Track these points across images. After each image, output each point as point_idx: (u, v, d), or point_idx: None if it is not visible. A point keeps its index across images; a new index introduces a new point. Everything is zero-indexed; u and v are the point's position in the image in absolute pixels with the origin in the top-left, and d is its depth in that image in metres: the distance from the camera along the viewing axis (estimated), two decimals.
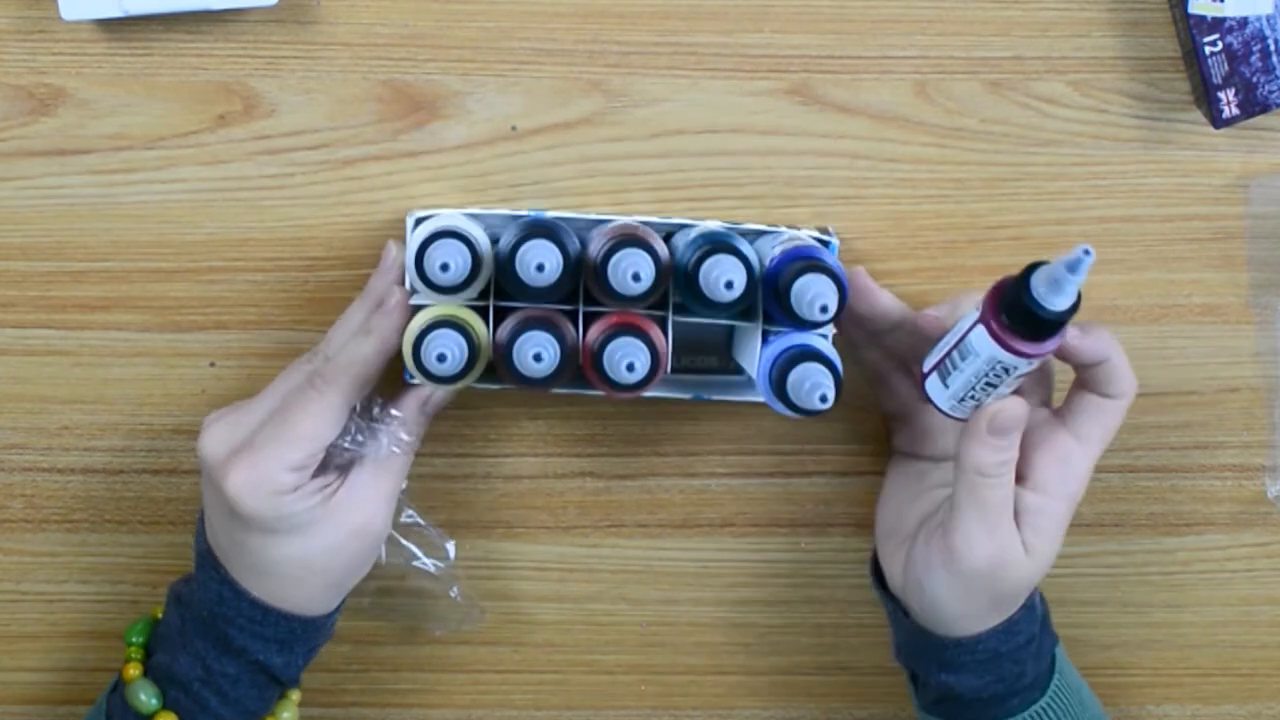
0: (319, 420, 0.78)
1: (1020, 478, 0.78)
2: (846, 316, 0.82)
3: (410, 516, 0.87)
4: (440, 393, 0.82)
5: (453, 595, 0.89)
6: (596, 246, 0.77)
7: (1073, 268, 0.70)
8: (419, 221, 0.81)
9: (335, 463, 0.80)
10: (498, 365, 0.78)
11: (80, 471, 0.89)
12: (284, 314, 0.87)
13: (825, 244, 0.82)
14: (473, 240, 0.77)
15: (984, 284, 0.87)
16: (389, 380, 0.81)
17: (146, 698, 0.80)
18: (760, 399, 0.82)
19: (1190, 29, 0.83)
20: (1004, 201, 0.87)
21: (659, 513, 0.91)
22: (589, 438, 0.90)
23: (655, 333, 0.78)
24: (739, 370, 0.85)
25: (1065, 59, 0.86)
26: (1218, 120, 0.84)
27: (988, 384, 0.75)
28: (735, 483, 0.90)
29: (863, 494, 0.90)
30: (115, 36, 0.84)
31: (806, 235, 0.82)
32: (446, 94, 0.86)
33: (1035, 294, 0.71)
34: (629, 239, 0.76)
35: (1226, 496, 0.91)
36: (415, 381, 0.81)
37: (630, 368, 0.76)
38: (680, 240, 0.81)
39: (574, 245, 0.78)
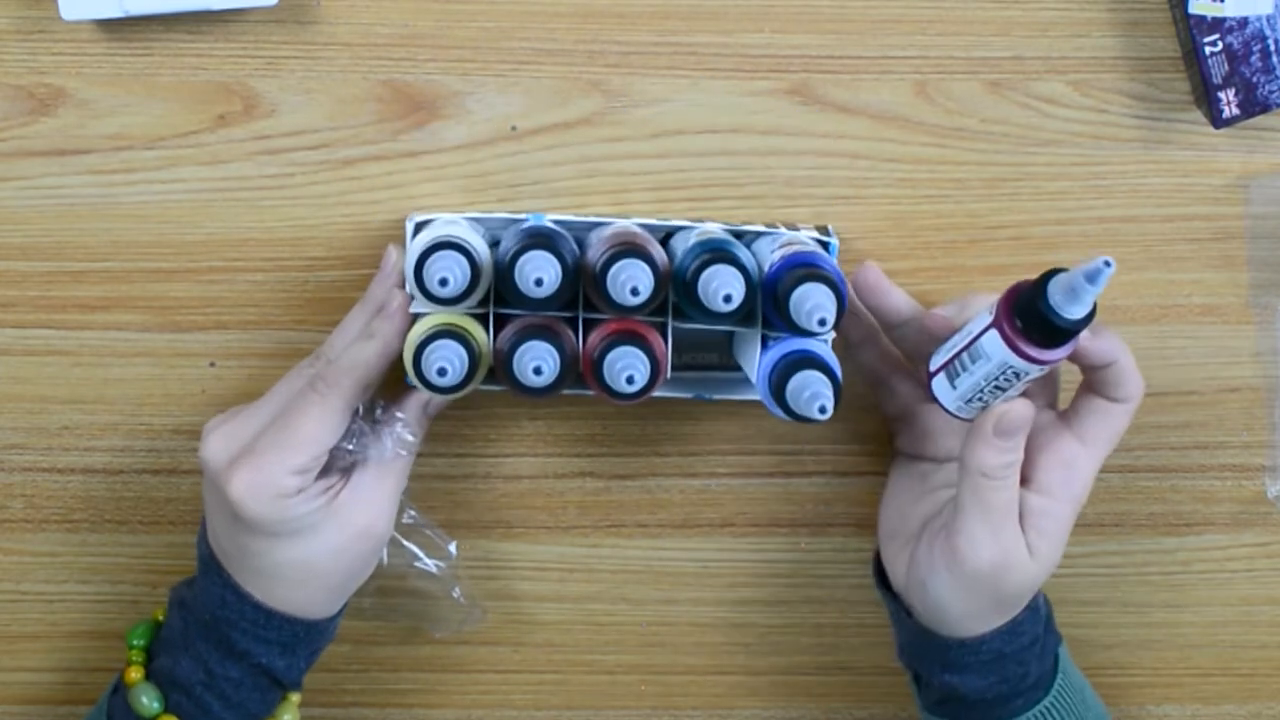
0: (321, 424, 0.78)
1: (1025, 480, 0.78)
2: (849, 314, 0.82)
3: (412, 517, 0.87)
4: (441, 396, 0.82)
5: (455, 596, 0.89)
6: (595, 254, 0.77)
7: (1092, 278, 0.70)
8: (419, 226, 0.81)
9: (338, 465, 0.80)
10: (498, 375, 0.78)
11: (80, 471, 0.89)
12: (284, 314, 0.87)
13: (825, 245, 0.82)
14: (472, 251, 0.77)
15: (984, 284, 0.87)
16: (390, 382, 0.81)
17: (148, 701, 0.80)
18: (756, 396, 0.82)
19: (1190, 29, 0.83)
20: (1004, 201, 0.87)
21: (659, 513, 0.91)
22: (589, 438, 0.90)
23: (655, 339, 0.78)
24: (739, 367, 0.85)
25: (1065, 59, 0.86)
26: (1218, 120, 0.84)
27: (997, 387, 0.75)
28: (735, 483, 0.90)
29: (863, 494, 0.90)
30: (115, 36, 0.84)
31: (806, 236, 0.82)
32: (446, 94, 0.86)
33: (1052, 302, 0.71)
34: (627, 249, 0.76)
35: (1226, 496, 0.91)
36: (416, 386, 0.81)
37: (630, 379, 0.76)
38: (679, 244, 0.81)
39: (573, 252, 0.78)
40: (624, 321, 0.79)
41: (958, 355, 0.76)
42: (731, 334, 0.86)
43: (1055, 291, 0.71)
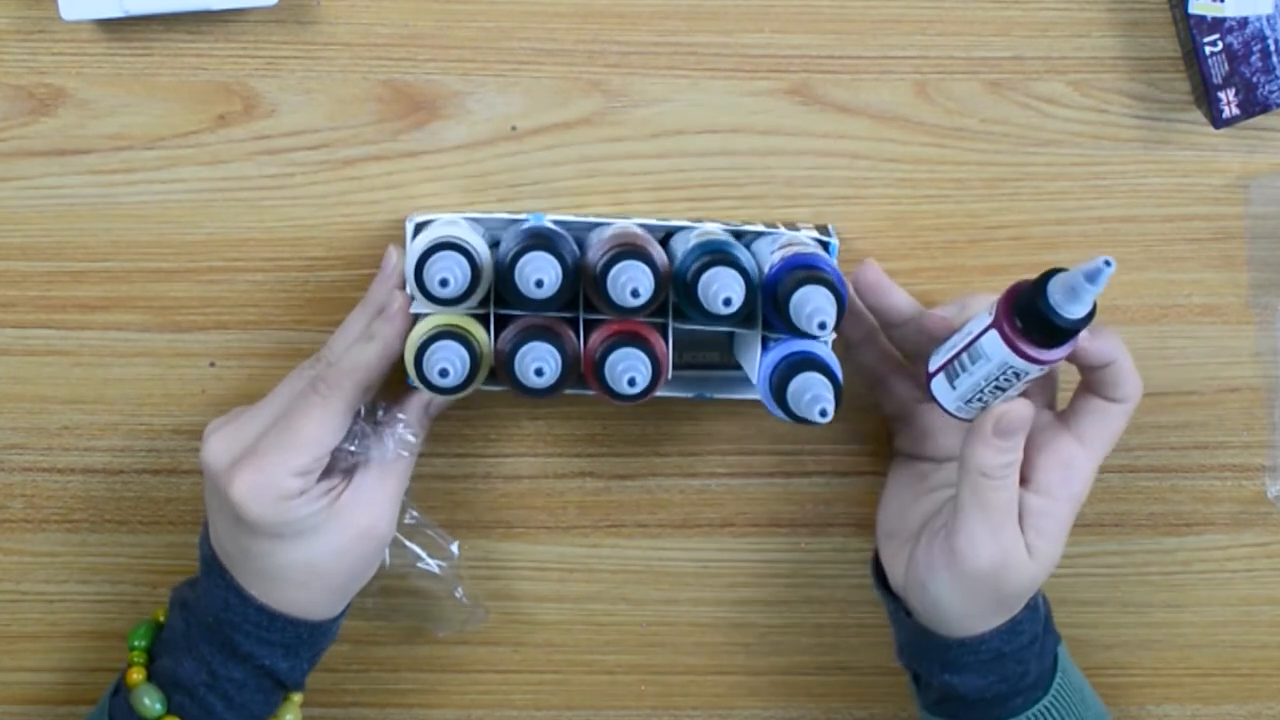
0: (323, 425, 0.78)
1: (1024, 480, 0.78)
2: (848, 313, 0.82)
3: (414, 518, 0.87)
4: (442, 397, 0.82)
5: (457, 596, 0.89)
6: (595, 255, 0.77)
7: (1092, 278, 0.70)
8: (419, 227, 0.81)
9: (340, 467, 0.80)
10: (500, 375, 0.78)
11: (80, 471, 0.89)
12: (284, 314, 0.87)
13: (825, 245, 0.82)
14: (472, 251, 0.77)
15: (984, 284, 0.87)
16: (392, 382, 0.81)
17: (151, 702, 0.80)
18: (756, 395, 0.82)
19: (1190, 29, 0.83)
20: (1004, 201, 0.87)
21: (659, 513, 0.91)
22: (589, 438, 0.90)
23: (656, 340, 0.78)
24: (740, 366, 0.85)
25: (1065, 59, 0.86)
26: (1218, 120, 0.84)
27: (996, 387, 0.75)
28: (735, 483, 0.90)
29: (863, 494, 0.90)
30: (115, 36, 0.84)
31: (806, 236, 0.82)
32: (446, 94, 0.86)
33: (1052, 301, 0.71)
34: (627, 250, 0.76)
35: (1226, 496, 0.91)
36: (417, 386, 0.81)
37: (631, 381, 0.77)
38: (679, 245, 0.80)
39: (573, 253, 0.78)
40: (625, 323, 0.79)
41: (957, 356, 0.76)
42: (732, 334, 0.86)
43: (1055, 291, 0.71)
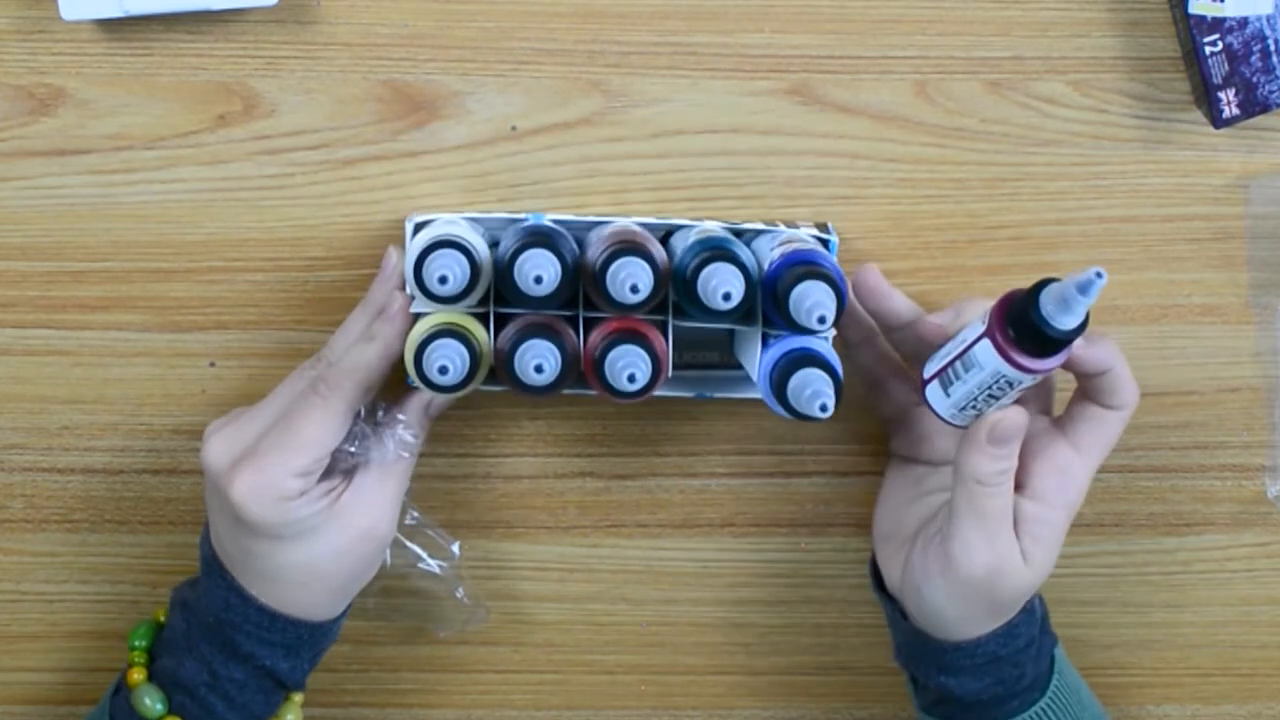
0: (323, 426, 0.78)
1: (1019, 486, 0.78)
2: (847, 315, 0.82)
3: (414, 518, 0.87)
4: (442, 397, 0.82)
5: (458, 596, 0.88)
6: (595, 253, 0.77)
7: (1084, 289, 0.70)
8: (418, 227, 0.81)
9: (340, 467, 0.80)
10: (499, 374, 0.78)
11: (80, 471, 0.89)
12: (284, 314, 0.87)
13: (824, 242, 0.82)
14: (471, 249, 0.77)
15: (983, 284, 0.87)
16: (392, 383, 0.81)
17: (152, 702, 0.80)
18: (763, 398, 0.82)
19: (1190, 29, 0.83)
20: (1004, 201, 0.87)
21: (659, 513, 0.91)
22: (589, 438, 0.90)
23: (656, 337, 0.78)
24: (740, 365, 0.85)
25: (1065, 59, 0.86)
26: (1218, 120, 0.84)
27: (990, 395, 0.75)
28: (735, 483, 0.90)
29: (863, 494, 0.90)
30: (115, 36, 0.84)
31: (805, 234, 0.82)
32: (446, 94, 0.86)
33: (1044, 312, 0.71)
34: (627, 247, 0.76)
35: (1226, 496, 0.91)
36: (417, 386, 0.81)
37: (631, 378, 0.76)
38: (679, 242, 0.80)
39: (572, 251, 0.78)
40: (624, 320, 0.79)
41: (951, 363, 0.76)
42: (732, 332, 0.86)
43: (1047, 302, 0.71)
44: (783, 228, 0.83)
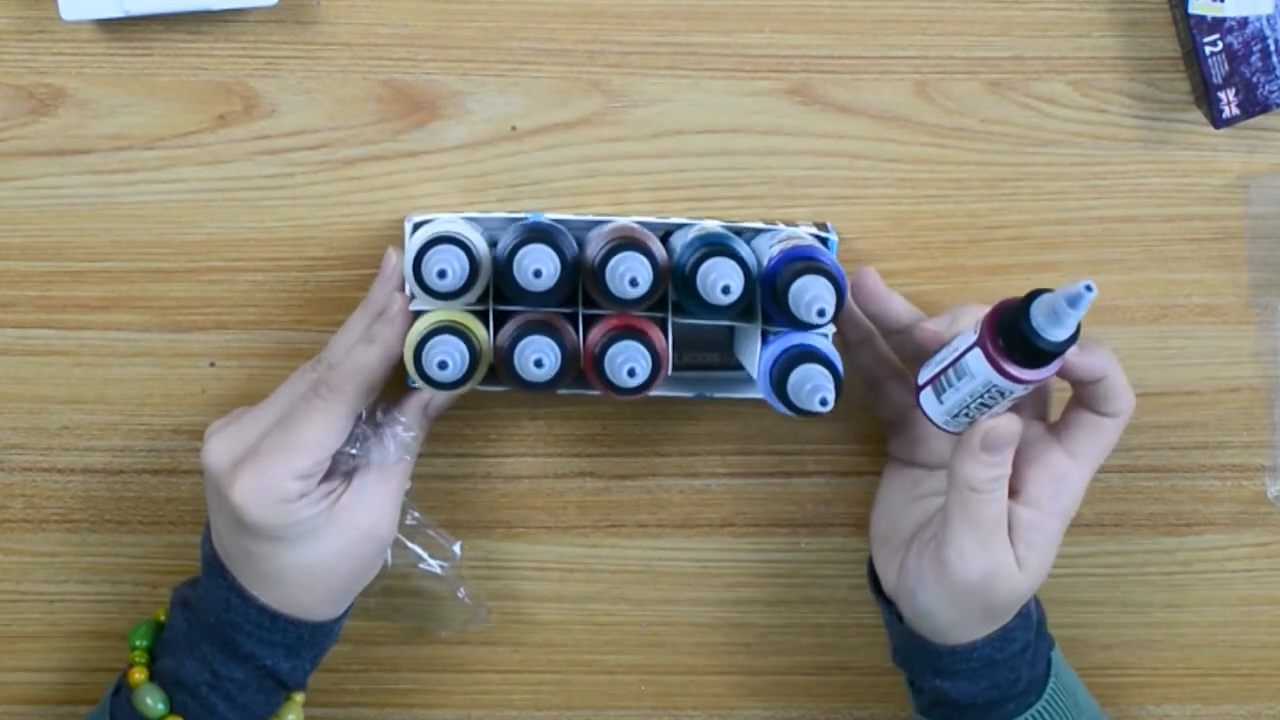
0: (324, 428, 0.77)
1: (1014, 492, 0.78)
2: (846, 317, 0.82)
3: (415, 519, 0.87)
4: (441, 396, 0.82)
5: (459, 596, 0.88)
6: (594, 249, 0.77)
7: (1073, 302, 0.70)
8: (417, 226, 0.81)
9: (340, 469, 0.79)
10: (499, 370, 0.78)
11: (80, 471, 0.89)
12: (284, 314, 0.87)
13: (824, 240, 0.82)
14: (470, 245, 0.77)
15: (984, 284, 0.87)
16: (392, 384, 0.81)
17: (153, 702, 0.80)
18: (758, 395, 0.82)
19: (1190, 29, 0.83)
20: (1004, 201, 0.87)
21: (659, 513, 0.91)
22: (589, 438, 0.90)
23: (655, 334, 0.78)
24: (740, 366, 0.85)
25: (1065, 59, 0.86)
26: (1218, 120, 0.84)
27: (982, 404, 0.75)
28: (735, 483, 0.90)
29: (863, 494, 0.90)
30: (115, 36, 0.84)
31: (804, 233, 0.82)
32: (446, 94, 0.86)
33: (1034, 324, 0.71)
34: (626, 242, 0.76)
35: (1226, 496, 0.91)
36: (417, 386, 0.81)
37: (631, 373, 0.76)
38: (678, 240, 0.81)
39: (571, 249, 0.78)
40: (624, 317, 0.79)
41: (944, 371, 0.76)
42: (732, 331, 0.86)
43: (1038, 313, 0.71)
44: (782, 226, 0.83)
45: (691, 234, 0.80)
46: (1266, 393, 0.90)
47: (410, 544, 0.87)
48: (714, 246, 0.77)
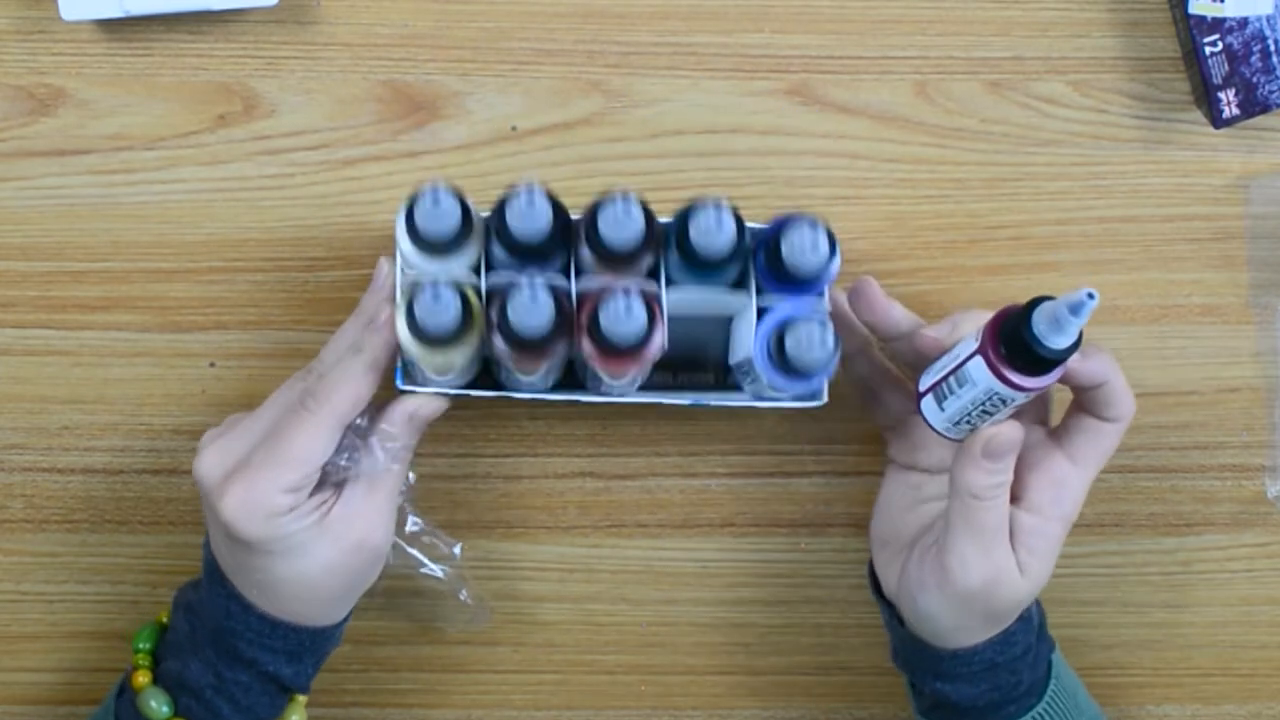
0: (313, 440, 0.77)
1: (1015, 498, 0.78)
2: (842, 327, 0.82)
3: (415, 524, 0.87)
4: (429, 406, 0.80)
5: (461, 598, 0.88)
6: (584, 212, 0.76)
7: (1075, 310, 0.69)
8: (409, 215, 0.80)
9: (331, 480, 0.79)
10: (493, 328, 0.76)
11: (80, 471, 0.89)
12: (284, 314, 0.87)
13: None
14: (462, 195, 0.75)
15: (984, 284, 0.87)
16: (387, 389, 0.81)
17: (158, 705, 0.80)
18: (757, 403, 0.81)
19: (1190, 29, 0.83)
20: (1004, 201, 0.87)
21: (659, 513, 0.91)
22: (589, 438, 0.90)
23: (650, 298, 0.77)
24: (736, 386, 0.85)
25: (1065, 59, 0.86)
26: (1218, 120, 0.84)
27: (984, 411, 0.75)
28: (735, 483, 0.90)
29: (863, 494, 0.90)
30: (115, 36, 0.84)
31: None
32: (446, 94, 0.86)
33: (1036, 331, 0.71)
34: (615, 192, 0.75)
35: (1226, 496, 0.91)
36: (405, 389, 0.80)
37: (628, 312, 0.74)
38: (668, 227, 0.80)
39: (563, 212, 0.76)
40: (618, 279, 0.77)
41: (945, 378, 0.76)
42: (727, 346, 0.85)
43: (1040, 321, 0.71)
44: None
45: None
46: (1266, 393, 0.90)
47: (410, 549, 0.87)
48: (698, 198, 0.76)
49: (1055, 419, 0.82)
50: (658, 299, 0.78)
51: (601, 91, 0.86)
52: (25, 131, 0.85)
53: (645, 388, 0.82)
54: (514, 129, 0.86)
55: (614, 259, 0.75)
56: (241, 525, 0.76)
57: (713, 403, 0.85)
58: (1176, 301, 0.89)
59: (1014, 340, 0.72)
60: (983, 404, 0.74)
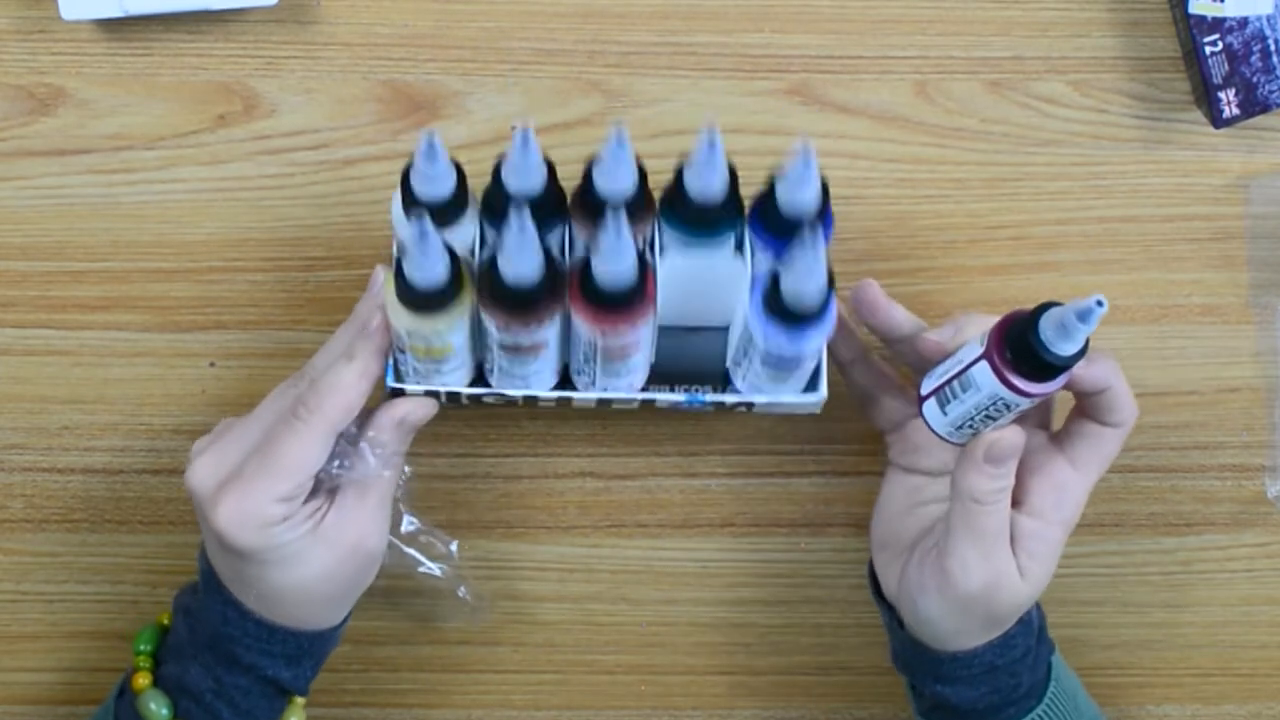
0: (306, 450, 0.76)
1: (1016, 502, 0.78)
2: (841, 333, 0.81)
3: (411, 524, 0.87)
4: (419, 411, 0.80)
5: (461, 594, 0.88)
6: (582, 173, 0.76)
7: (1084, 317, 0.69)
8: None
9: (323, 486, 0.78)
10: (483, 289, 0.74)
11: (80, 471, 0.89)
12: (284, 314, 0.87)
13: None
14: (459, 164, 0.75)
15: (984, 284, 0.87)
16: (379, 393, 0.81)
17: (157, 708, 0.80)
18: (755, 396, 0.81)
19: (1190, 29, 0.83)
20: (1004, 201, 0.87)
21: (659, 513, 0.91)
22: (589, 438, 0.90)
23: (642, 253, 0.76)
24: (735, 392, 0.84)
25: (1065, 59, 0.86)
26: (1218, 120, 0.84)
27: (987, 416, 0.75)
28: (735, 483, 0.90)
29: (863, 494, 0.90)
30: (115, 36, 0.84)
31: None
32: (446, 94, 0.86)
33: (1043, 337, 0.71)
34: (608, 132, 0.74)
35: (1226, 496, 0.91)
36: (396, 385, 0.80)
37: (620, 255, 0.72)
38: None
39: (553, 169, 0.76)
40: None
41: (948, 382, 0.76)
42: (725, 353, 0.84)
43: (1047, 327, 0.71)
44: None
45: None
46: (1266, 393, 0.90)
47: (407, 549, 0.87)
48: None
49: (1057, 423, 0.82)
50: (650, 255, 0.77)
51: (601, 91, 0.86)
52: (25, 131, 0.85)
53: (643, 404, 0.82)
54: (514, 129, 0.86)
55: (606, 204, 0.74)
56: (235, 536, 0.76)
57: (709, 398, 0.84)
58: (1176, 301, 0.89)
59: (1020, 346, 0.72)
60: (986, 409, 0.74)
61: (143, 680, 0.81)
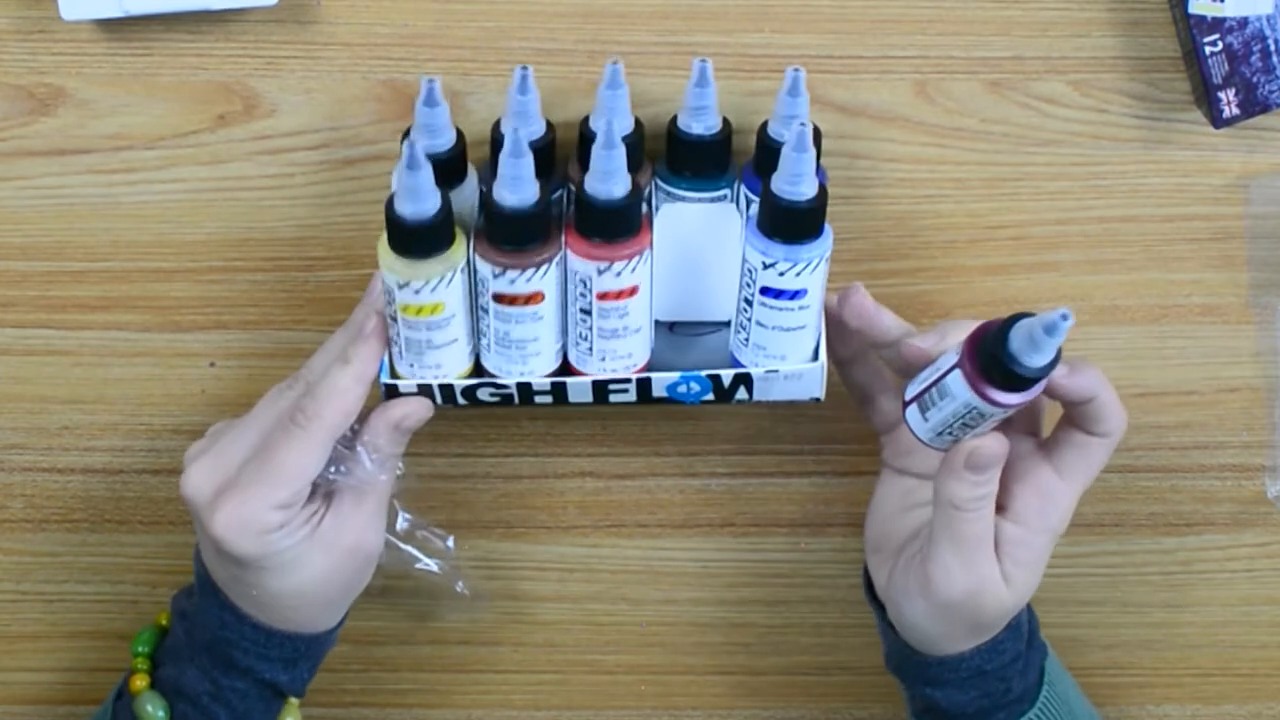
0: (304, 456, 0.76)
1: (1001, 508, 0.78)
2: (837, 332, 0.81)
3: (406, 520, 0.86)
4: (415, 414, 0.80)
5: (458, 589, 0.88)
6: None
7: (1050, 330, 0.69)
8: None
9: (320, 490, 0.78)
10: (482, 221, 0.74)
11: (80, 471, 0.89)
12: (284, 314, 0.87)
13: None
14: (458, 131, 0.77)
15: (984, 284, 0.87)
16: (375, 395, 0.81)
17: (154, 710, 0.80)
18: (754, 373, 0.80)
19: (1190, 29, 0.83)
20: (1004, 201, 0.87)
21: (659, 513, 0.91)
22: (589, 438, 0.90)
23: (638, 189, 0.77)
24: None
25: (1065, 59, 0.86)
26: (1218, 120, 0.84)
27: (965, 424, 0.75)
28: (735, 483, 0.90)
29: (863, 494, 0.90)
30: (115, 36, 0.84)
31: None
32: (446, 94, 0.85)
33: (1012, 349, 0.71)
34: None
35: (1226, 496, 0.91)
36: (390, 382, 0.79)
37: (613, 179, 0.73)
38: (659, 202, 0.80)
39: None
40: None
41: (928, 389, 0.76)
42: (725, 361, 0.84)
43: (1016, 339, 0.71)
44: None
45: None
46: (1266, 393, 0.90)
47: (404, 546, 0.87)
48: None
49: (1047, 430, 0.82)
50: (647, 196, 0.77)
51: None
52: (25, 131, 0.85)
53: (643, 400, 0.81)
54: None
55: (600, 150, 0.74)
56: (233, 543, 0.75)
57: (704, 373, 0.83)
58: (1176, 301, 0.89)
59: (990, 357, 0.72)
60: (963, 417, 0.74)
61: (140, 682, 0.81)
